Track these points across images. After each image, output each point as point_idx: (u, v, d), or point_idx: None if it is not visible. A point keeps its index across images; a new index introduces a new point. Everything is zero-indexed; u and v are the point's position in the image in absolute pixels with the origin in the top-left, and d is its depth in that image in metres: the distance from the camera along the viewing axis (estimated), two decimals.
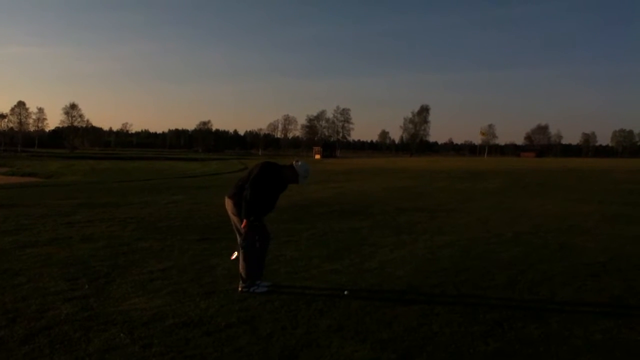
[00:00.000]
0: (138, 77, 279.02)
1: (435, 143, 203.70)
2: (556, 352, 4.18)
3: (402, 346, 4.22)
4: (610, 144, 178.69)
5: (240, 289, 5.60)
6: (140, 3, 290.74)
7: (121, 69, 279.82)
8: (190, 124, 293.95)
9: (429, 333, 4.52)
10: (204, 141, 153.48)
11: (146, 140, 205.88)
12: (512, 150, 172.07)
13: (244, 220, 5.44)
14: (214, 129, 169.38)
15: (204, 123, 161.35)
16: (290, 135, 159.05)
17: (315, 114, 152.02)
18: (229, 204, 5.67)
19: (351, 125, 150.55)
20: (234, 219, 5.68)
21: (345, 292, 5.60)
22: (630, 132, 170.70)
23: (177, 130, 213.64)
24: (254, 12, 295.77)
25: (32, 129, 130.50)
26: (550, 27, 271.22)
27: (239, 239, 5.66)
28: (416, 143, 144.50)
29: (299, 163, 5.69)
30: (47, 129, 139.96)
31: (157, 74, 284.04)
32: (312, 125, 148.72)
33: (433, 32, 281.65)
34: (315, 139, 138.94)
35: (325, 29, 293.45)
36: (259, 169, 5.58)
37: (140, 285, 5.81)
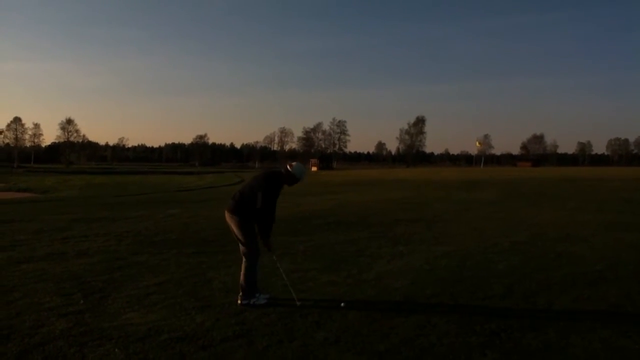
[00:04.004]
0: (135, 92, 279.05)
1: (432, 154, 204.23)
2: None
3: (399, 358, 4.19)
4: (605, 153, 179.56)
5: (239, 301, 5.59)
6: (137, 17, 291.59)
7: (117, 83, 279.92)
8: (186, 138, 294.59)
9: (426, 344, 4.49)
10: (201, 155, 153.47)
11: (142, 155, 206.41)
12: (508, 160, 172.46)
13: (271, 243, 5.71)
14: (210, 142, 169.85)
15: (201, 137, 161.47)
16: (286, 148, 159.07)
17: (311, 126, 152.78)
18: (230, 218, 5.68)
19: (347, 137, 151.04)
20: (235, 231, 5.68)
21: (342, 304, 5.58)
22: (626, 140, 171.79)
23: (173, 144, 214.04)
24: (251, 26, 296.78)
25: (28, 144, 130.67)
26: (545, 37, 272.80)
27: (242, 248, 5.67)
28: (412, 154, 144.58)
29: (294, 164, 5.79)
30: (43, 145, 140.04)
31: (153, 88, 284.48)
32: (308, 137, 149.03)
33: (429, 43, 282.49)
34: (312, 150, 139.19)
35: (321, 42, 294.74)
36: (265, 181, 5.64)
37: (135, 299, 5.77)
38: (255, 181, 5.68)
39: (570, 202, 18.92)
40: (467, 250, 8.92)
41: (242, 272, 5.64)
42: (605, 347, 4.47)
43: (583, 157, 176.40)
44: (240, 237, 5.64)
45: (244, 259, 5.66)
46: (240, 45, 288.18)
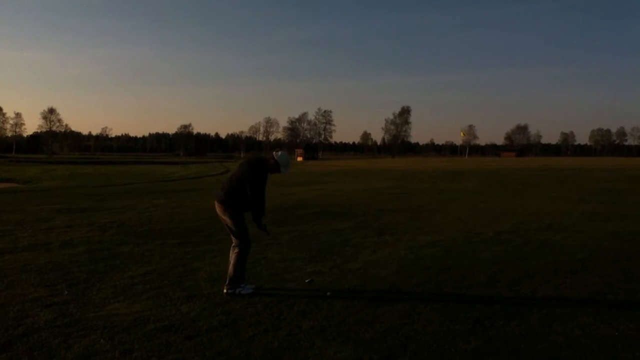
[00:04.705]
0: (118, 81, 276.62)
1: (417, 144, 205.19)
2: (537, 348, 4.22)
3: (384, 346, 4.23)
4: (588, 143, 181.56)
5: (225, 290, 5.58)
6: (119, 7, 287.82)
7: (101, 73, 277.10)
8: (171, 128, 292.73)
9: (411, 332, 4.53)
10: (185, 145, 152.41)
11: (126, 145, 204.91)
12: (492, 150, 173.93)
13: (264, 225, 5.81)
14: (195, 132, 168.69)
15: (185, 126, 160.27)
16: (272, 138, 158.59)
17: (296, 116, 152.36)
18: (220, 209, 5.66)
19: (333, 127, 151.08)
20: (226, 221, 5.66)
21: (328, 294, 5.61)
22: (608, 131, 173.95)
23: (157, 134, 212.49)
24: (237, 15, 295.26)
25: (9, 134, 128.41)
26: (529, 29, 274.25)
27: (234, 240, 5.67)
28: (398, 144, 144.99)
29: (279, 153, 5.75)
30: (25, 134, 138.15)
31: (137, 77, 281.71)
32: (293, 127, 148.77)
33: (415, 34, 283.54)
34: (297, 141, 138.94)
35: (306, 31, 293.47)
36: (252, 170, 5.59)
37: (120, 290, 5.75)
38: (243, 171, 5.64)
39: (553, 191, 19.14)
40: (452, 240, 8.99)
41: (232, 262, 5.62)
42: (586, 334, 4.55)
43: (566, 147, 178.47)
44: (232, 227, 5.63)
45: (236, 249, 5.65)
46: (225, 34, 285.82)
